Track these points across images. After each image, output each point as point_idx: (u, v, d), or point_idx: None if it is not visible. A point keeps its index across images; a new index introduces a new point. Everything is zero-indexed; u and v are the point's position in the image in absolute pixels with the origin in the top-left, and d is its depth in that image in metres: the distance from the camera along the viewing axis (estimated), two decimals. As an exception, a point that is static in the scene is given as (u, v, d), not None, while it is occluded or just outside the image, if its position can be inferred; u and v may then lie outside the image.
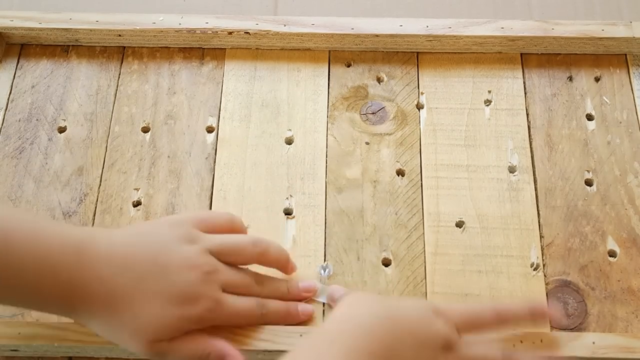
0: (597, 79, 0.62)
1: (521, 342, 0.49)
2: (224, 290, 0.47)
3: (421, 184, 0.57)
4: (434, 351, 0.43)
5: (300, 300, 0.51)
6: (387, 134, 0.59)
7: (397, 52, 0.63)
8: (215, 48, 0.63)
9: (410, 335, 0.43)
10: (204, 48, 0.63)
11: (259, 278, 0.50)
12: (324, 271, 0.53)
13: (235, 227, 0.51)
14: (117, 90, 0.61)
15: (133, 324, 0.44)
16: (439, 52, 0.62)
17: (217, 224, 0.50)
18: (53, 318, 0.51)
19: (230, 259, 0.48)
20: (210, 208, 0.56)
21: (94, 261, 0.44)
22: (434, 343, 0.44)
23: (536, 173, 0.57)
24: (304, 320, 0.51)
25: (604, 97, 0.61)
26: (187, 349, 0.46)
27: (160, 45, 0.63)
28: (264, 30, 0.61)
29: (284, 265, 0.51)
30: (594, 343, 0.49)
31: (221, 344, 0.47)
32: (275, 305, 0.50)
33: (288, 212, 0.56)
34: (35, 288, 0.43)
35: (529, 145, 0.59)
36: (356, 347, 0.41)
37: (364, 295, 0.47)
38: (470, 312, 0.47)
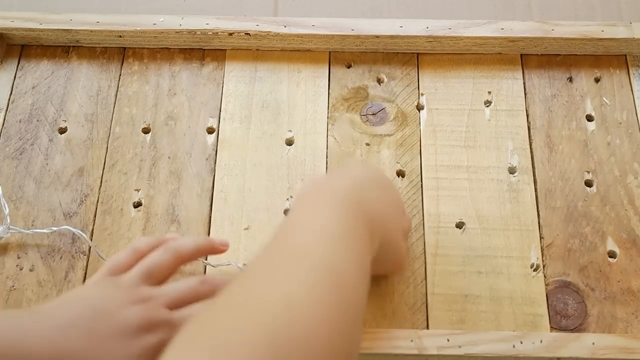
0: (597, 80, 0.62)
1: (521, 343, 0.49)
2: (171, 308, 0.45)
3: (421, 185, 0.57)
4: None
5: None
6: (388, 135, 0.59)
7: (397, 53, 0.63)
8: (215, 49, 0.63)
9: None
10: (204, 49, 0.63)
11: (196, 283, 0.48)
12: None
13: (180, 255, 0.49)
14: (117, 91, 0.61)
15: None
16: (439, 53, 0.63)
17: (158, 267, 0.48)
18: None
19: (186, 303, 0.47)
20: (211, 209, 0.56)
21: (36, 327, 0.42)
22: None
23: (536, 174, 0.58)
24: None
25: (604, 98, 0.61)
26: None
27: (160, 46, 0.63)
28: (265, 31, 0.61)
29: (214, 251, 0.51)
30: (593, 344, 0.49)
31: None
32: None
33: (288, 213, 0.56)
34: None
35: (529, 146, 0.59)
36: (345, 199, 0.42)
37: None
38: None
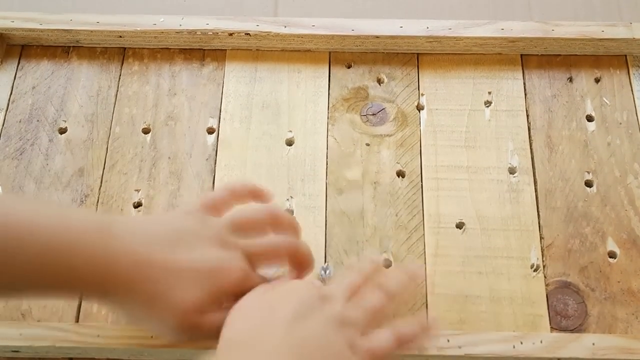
0: (597, 80, 0.62)
1: (521, 343, 0.49)
2: (250, 260, 0.46)
3: (421, 185, 0.57)
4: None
5: (302, 265, 0.50)
6: (388, 135, 0.59)
7: (398, 53, 0.63)
8: (215, 49, 0.63)
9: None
10: (204, 49, 0.63)
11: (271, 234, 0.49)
12: (325, 272, 0.53)
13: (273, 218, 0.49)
14: (117, 91, 0.61)
15: (169, 299, 0.43)
16: (439, 54, 0.63)
17: (250, 222, 0.48)
18: (54, 319, 0.51)
19: (265, 261, 0.48)
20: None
21: (121, 235, 0.43)
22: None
23: (536, 174, 0.58)
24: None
25: (604, 98, 0.61)
26: (219, 320, 0.44)
27: (160, 47, 0.63)
28: (265, 32, 0.61)
29: (308, 262, 0.50)
30: (594, 344, 0.49)
31: None
32: (300, 243, 0.49)
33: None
34: (67, 270, 0.42)
35: (529, 147, 0.59)
36: None
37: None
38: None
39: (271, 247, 0.48)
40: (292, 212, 0.56)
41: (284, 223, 0.49)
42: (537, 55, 0.63)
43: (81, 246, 0.42)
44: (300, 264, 0.49)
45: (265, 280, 0.47)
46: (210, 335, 0.44)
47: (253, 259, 0.47)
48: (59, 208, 0.45)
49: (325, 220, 0.56)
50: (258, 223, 0.48)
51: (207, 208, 0.48)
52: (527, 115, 0.60)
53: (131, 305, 0.45)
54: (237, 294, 0.45)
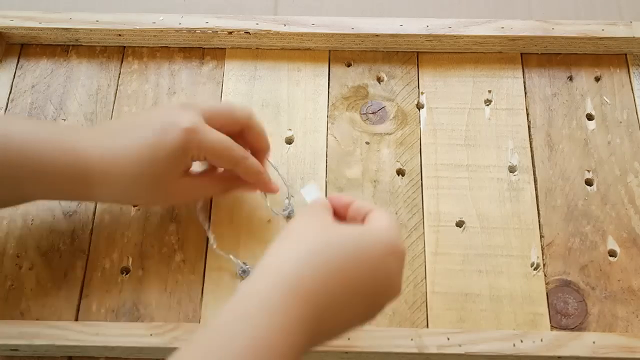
0: (597, 79, 0.62)
1: (521, 341, 0.49)
2: (207, 121, 0.50)
3: (421, 183, 0.57)
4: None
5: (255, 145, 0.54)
6: (387, 133, 0.59)
7: (397, 51, 0.63)
8: (215, 48, 0.63)
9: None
10: (204, 48, 0.63)
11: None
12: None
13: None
14: (117, 90, 0.61)
15: (138, 169, 0.48)
16: (439, 52, 0.62)
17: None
18: (53, 317, 0.51)
19: (221, 119, 0.51)
20: (211, 208, 0.56)
21: (93, 135, 0.49)
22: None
23: (536, 173, 0.57)
24: (272, 190, 0.54)
25: (604, 97, 0.61)
26: (189, 183, 0.51)
27: (160, 45, 0.63)
28: (264, 30, 0.61)
29: (264, 142, 0.54)
30: (594, 343, 0.49)
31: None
32: (253, 158, 0.52)
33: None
34: (51, 176, 0.47)
35: (529, 145, 0.59)
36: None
37: (303, 225, 0.43)
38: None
39: (227, 108, 0.51)
40: (292, 212, 0.56)
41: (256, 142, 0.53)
42: (537, 53, 0.63)
43: (58, 154, 0.47)
44: (253, 134, 0.52)
45: (215, 136, 0.49)
46: (184, 197, 0.52)
47: (209, 117, 0.50)
48: (37, 126, 0.50)
49: (325, 219, 0.55)
50: (231, 124, 0.52)
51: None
52: (527, 114, 0.60)
53: (114, 190, 0.49)
54: (195, 146, 0.48)
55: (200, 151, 0.49)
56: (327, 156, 0.58)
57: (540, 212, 0.56)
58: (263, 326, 0.36)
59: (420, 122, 0.60)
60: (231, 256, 0.53)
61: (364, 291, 0.40)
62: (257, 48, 0.63)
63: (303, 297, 0.37)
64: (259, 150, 0.54)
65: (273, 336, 0.36)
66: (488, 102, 0.61)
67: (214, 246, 0.53)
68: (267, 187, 0.53)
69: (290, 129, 0.59)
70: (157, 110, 0.53)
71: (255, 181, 0.53)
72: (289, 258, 0.39)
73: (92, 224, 0.55)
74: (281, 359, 0.35)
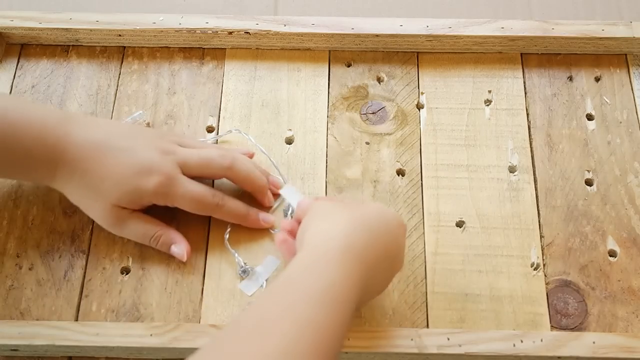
0: (597, 79, 0.62)
1: (521, 341, 0.49)
2: (184, 169, 0.51)
3: (421, 183, 0.57)
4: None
5: (245, 185, 0.55)
6: (387, 133, 0.59)
7: (397, 52, 0.63)
8: (215, 48, 0.63)
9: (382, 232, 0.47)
10: (204, 48, 0.63)
11: (219, 193, 0.53)
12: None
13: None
14: (117, 90, 0.61)
15: (100, 186, 0.50)
16: (439, 52, 0.62)
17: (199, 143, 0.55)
18: (53, 317, 0.51)
19: (198, 171, 0.52)
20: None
21: (76, 130, 0.50)
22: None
23: (536, 173, 0.57)
24: (263, 227, 0.54)
25: (604, 97, 0.61)
26: (142, 226, 0.52)
27: (160, 45, 0.63)
28: (264, 30, 0.61)
29: (254, 184, 0.54)
30: (594, 343, 0.49)
31: (173, 233, 0.53)
32: (233, 202, 0.53)
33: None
34: (27, 154, 0.49)
35: (529, 145, 0.59)
36: (349, 257, 0.43)
37: (332, 205, 0.48)
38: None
39: (205, 159, 0.52)
40: (292, 212, 0.56)
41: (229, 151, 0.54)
42: (537, 54, 0.63)
43: (41, 140, 0.49)
44: (238, 180, 0.54)
45: (189, 190, 0.51)
46: (135, 237, 0.53)
47: (186, 168, 0.51)
48: (28, 104, 0.52)
49: (325, 219, 0.55)
50: (204, 145, 0.54)
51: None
52: (527, 114, 0.60)
53: (73, 191, 0.51)
54: (160, 195, 0.50)
55: (170, 201, 0.51)
56: (327, 156, 0.58)
57: (540, 212, 0.56)
58: (331, 277, 0.41)
59: (420, 122, 0.60)
60: (236, 254, 0.53)
61: (391, 255, 0.47)
62: (257, 48, 0.63)
63: (355, 255, 0.43)
64: (252, 192, 0.55)
65: (338, 287, 0.41)
66: (488, 102, 0.61)
67: (227, 237, 0.54)
68: (256, 226, 0.54)
69: (290, 129, 0.59)
70: (142, 142, 0.51)
71: (241, 223, 0.54)
72: (338, 228, 0.44)
73: (92, 224, 0.55)
74: (348, 305, 0.41)
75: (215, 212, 0.53)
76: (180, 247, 0.52)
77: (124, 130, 0.52)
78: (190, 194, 0.51)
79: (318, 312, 0.39)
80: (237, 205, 0.53)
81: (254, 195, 0.55)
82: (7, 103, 0.50)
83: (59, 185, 0.52)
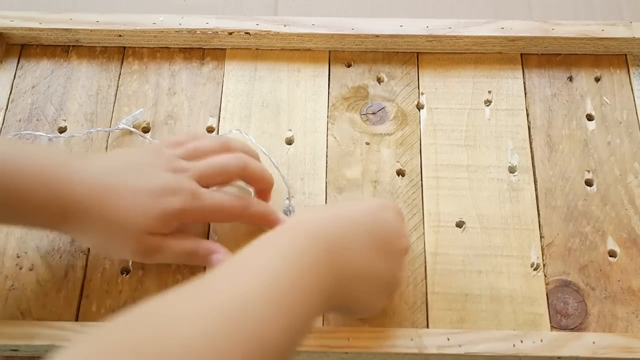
0: (597, 79, 0.62)
1: (521, 342, 0.49)
2: (200, 182, 0.49)
3: (421, 184, 0.57)
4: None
5: (257, 181, 0.53)
6: (387, 134, 0.59)
7: (397, 52, 0.63)
8: (215, 48, 0.63)
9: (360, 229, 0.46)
10: (204, 48, 0.63)
11: (240, 195, 0.52)
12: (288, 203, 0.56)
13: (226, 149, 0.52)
14: (117, 90, 0.61)
15: (126, 220, 0.47)
16: (439, 53, 0.63)
17: (201, 149, 0.52)
18: (53, 318, 0.51)
19: (216, 180, 0.51)
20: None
21: (77, 168, 0.47)
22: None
23: (536, 173, 0.58)
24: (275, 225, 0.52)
25: (604, 98, 0.61)
26: (178, 245, 0.49)
27: (160, 46, 0.63)
28: (264, 31, 0.61)
29: (268, 180, 0.53)
30: (594, 343, 0.49)
31: (209, 243, 0.51)
32: (257, 203, 0.52)
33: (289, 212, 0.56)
34: (29, 203, 0.46)
35: (529, 146, 0.59)
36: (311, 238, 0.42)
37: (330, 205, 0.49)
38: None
39: (220, 167, 0.51)
40: (292, 212, 0.56)
41: (235, 149, 0.52)
42: (537, 54, 0.63)
43: (43, 186, 0.46)
44: (253, 180, 0.52)
45: (216, 201, 0.49)
46: (173, 258, 0.49)
47: (203, 180, 0.50)
48: (22, 147, 0.49)
49: (325, 219, 0.55)
50: (209, 150, 0.51)
51: (167, 145, 0.51)
52: (527, 114, 0.60)
53: (90, 232, 0.48)
54: (189, 212, 0.48)
55: (199, 216, 0.49)
56: (327, 157, 0.58)
57: (540, 213, 0.56)
58: (294, 261, 0.39)
59: (420, 122, 0.60)
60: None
61: (376, 246, 0.46)
62: (257, 49, 0.63)
63: (326, 248, 0.42)
64: (263, 190, 0.54)
65: (303, 271, 0.39)
66: (488, 102, 0.61)
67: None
68: (273, 225, 0.52)
69: (290, 130, 0.59)
70: (148, 168, 0.49)
71: (262, 223, 0.52)
72: (315, 217, 0.44)
73: (92, 225, 0.55)
74: (306, 295, 0.39)
75: (241, 218, 0.51)
76: (220, 255, 0.50)
77: (126, 159, 0.49)
78: (220, 203, 0.49)
79: (255, 299, 0.36)
80: (258, 207, 0.51)
81: (264, 192, 0.54)
82: None
83: (72, 228, 0.48)
